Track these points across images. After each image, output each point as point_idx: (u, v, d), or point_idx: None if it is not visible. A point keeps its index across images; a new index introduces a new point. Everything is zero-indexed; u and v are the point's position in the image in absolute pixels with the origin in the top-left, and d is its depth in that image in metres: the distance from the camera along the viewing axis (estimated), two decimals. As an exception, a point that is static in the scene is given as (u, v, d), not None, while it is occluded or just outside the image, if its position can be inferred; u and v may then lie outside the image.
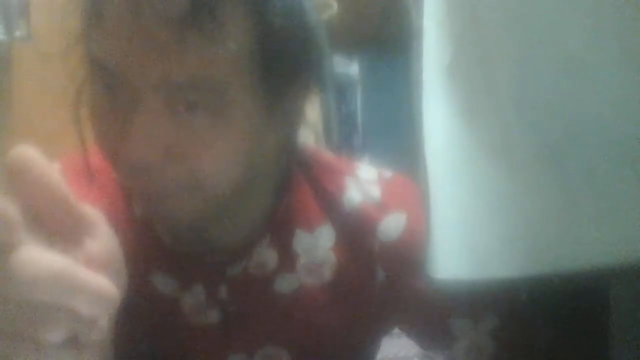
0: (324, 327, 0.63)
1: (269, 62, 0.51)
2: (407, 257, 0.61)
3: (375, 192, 0.64)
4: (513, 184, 0.51)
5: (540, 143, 0.49)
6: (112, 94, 0.50)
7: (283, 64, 0.52)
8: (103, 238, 0.37)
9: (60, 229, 0.35)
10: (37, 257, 0.32)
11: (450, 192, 0.56)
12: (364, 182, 0.65)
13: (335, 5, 1.41)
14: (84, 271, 0.34)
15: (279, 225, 0.62)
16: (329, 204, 0.63)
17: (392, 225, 0.62)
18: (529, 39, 0.48)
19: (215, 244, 0.62)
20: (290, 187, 0.63)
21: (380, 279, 0.63)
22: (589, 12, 0.45)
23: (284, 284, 0.62)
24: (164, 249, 0.62)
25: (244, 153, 0.53)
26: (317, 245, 0.62)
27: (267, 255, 0.62)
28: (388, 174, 0.67)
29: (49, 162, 0.35)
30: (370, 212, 0.63)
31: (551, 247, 0.49)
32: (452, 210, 0.56)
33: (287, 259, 0.62)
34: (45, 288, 0.32)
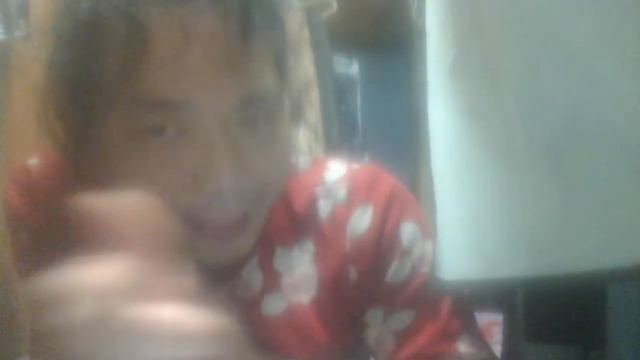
0: (314, 346, 0.61)
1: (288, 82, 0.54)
2: (375, 247, 0.60)
3: (342, 192, 0.63)
4: (516, 185, 0.51)
5: (543, 144, 0.49)
6: (159, 132, 0.48)
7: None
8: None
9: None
10: (143, 314, 0.30)
11: (455, 193, 0.56)
12: (331, 186, 0.64)
13: (335, 5, 1.41)
14: (193, 313, 0.31)
15: (262, 244, 0.60)
16: (302, 221, 0.62)
17: (358, 219, 0.61)
18: (532, 40, 0.48)
19: (204, 264, 0.59)
20: None
21: (352, 278, 0.61)
22: (592, 13, 0.45)
23: (272, 306, 0.61)
24: None
25: (287, 165, 0.55)
26: (299, 261, 0.61)
27: (254, 277, 0.61)
28: (356, 166, 0.66)
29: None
30: (340, 214, 0.62)
31: (553, 248, 0.49)
32: (456, 211, 0.56)
33: (271, 278, 0.61)
34: (158, 345, 0.29)
